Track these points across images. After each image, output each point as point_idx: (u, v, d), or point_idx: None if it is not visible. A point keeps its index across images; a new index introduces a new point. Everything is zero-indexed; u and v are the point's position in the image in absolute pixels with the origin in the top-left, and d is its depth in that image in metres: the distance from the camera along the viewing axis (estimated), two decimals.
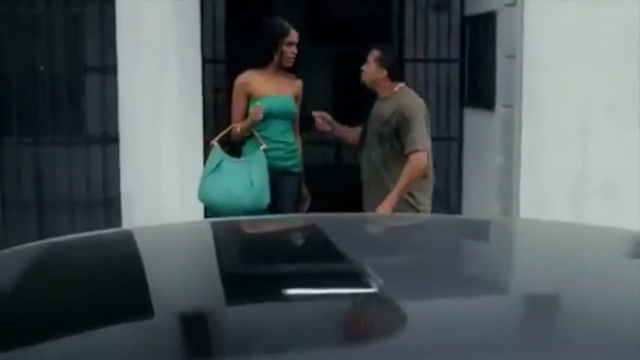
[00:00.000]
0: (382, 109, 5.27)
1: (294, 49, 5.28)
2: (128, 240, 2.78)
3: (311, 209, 5.51)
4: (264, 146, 5.14)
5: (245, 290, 2.11)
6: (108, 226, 6.54)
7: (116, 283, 2.21)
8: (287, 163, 5.31)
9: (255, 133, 5.19)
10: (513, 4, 6.68)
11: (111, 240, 2.81)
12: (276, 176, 5.22)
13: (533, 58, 6.59)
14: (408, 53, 7.86)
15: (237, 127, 5.23)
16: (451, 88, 7.84)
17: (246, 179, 5.05)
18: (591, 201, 6.74)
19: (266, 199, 5.07)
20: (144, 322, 1.88)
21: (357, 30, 7.95)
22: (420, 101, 5.41)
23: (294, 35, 5.29)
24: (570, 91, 6.61)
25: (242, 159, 5.22)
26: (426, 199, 5.33)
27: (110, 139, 6.48)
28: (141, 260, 2.51)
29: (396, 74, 5.40)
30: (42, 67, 6.48)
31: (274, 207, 5.20)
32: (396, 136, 5.13)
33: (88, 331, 1.83)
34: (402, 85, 5.39)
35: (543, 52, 6.57)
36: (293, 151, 5.34)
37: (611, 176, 6.67)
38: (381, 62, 5.30)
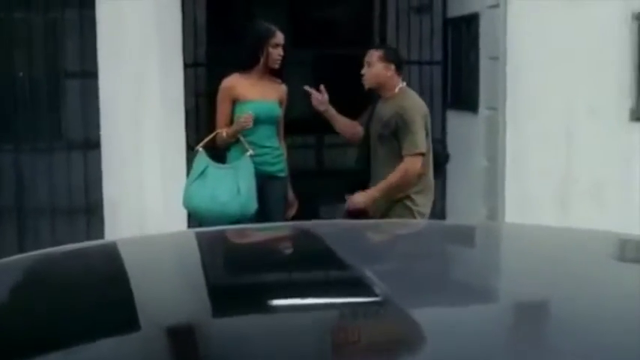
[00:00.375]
0: (383, 110, 5.21)
1: (280, 51, 5.22)
2: (113, 253, 2.69)
3: (298, 214, 5.45)
4: (250, 152, 5.07)
5: (236, 303, 2.05)
6: (90, 232, 6.47)
7: (100, 300, 2.13)
8: (273, 168, 5.24)
9: (242, 139, 5.11)
10: (496, 6, 6.67)
11: (94, 253, 2.72)
12: (263, 182, 5.15)
13: (516, 59, 6.58)
14: None
15: (223, 132, 5.15)
16: (434, 91, 7.80)
17: (233, 186, 4.97)
18: (577, 203, 6.73)
19: (253, 206, 5.00)
20: (129, 340, 1.82)
21: (339, 32, 7.93)
22: (421, 102, 5.37)
23: (279, 37, 5.23)
24: (554, 93, 6.60)
25: (228, 165, 5.14)
26: (424, 200, 5.20)
27: (91, 144, 6.40)
28: (126, 275, 2.41)
29: (400, 69, 5.30)
30: (21, 73, 6.39)
31: (262, 213, 5.11)
32: (396, 138, 5.09)
33: (70, 349, 1.78)
34: (402, 85, 5.31)
35: (527, 54, 6.56)
36: (279, 156, 5.28)
37: (596, 178, 6.67)
38: (387, 59, 5.21)
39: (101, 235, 6.33)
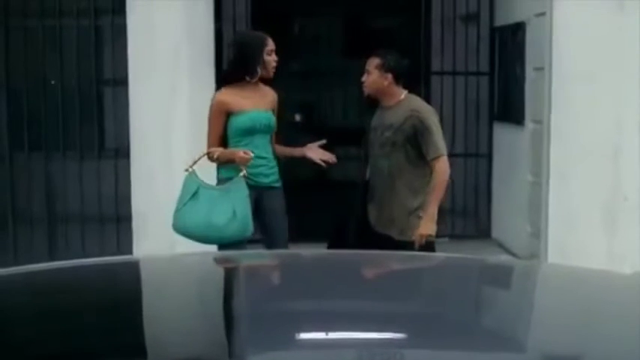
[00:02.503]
0: (390, 117, 4.97)
1: (274, 57, 4.99)
2: (132, 271, 2.57)
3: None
4: (243, 172, 4.80)
5: (255, 335, 1.89)
6: (120, 242, 6.42)
7: (109, 323, 2.01)
8: (269, 179, 5.02)
9: (238, 160, 4.85)
10: (543, 14, 6.38)
11: (111, 270, 2.59)
12: (259, 193, 4.95)
13: (562, 70, 6.28)
14: (435, 66, 7.61)
15: (215, 154, 4.92)
16: (480, 103, 7.57)
17: (228, 209, 4.75)
18: (625, 221, 6.39)
19: (250, 229, 4.80)
20: None
21: (384, 42, 7.73)
22: (431, 107, 5.19)
23: (271, 43, 5.00)
24: (602, 105, 6.27)
25: (221, 187, 4.90)
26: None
27: (123, 153, 6.34)
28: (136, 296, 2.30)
29: (401, 79, 5.04)
30: (52, 81, 6.37)
31: (263, 225, 5.00)
32: (410, 143, 4.87)
33: None
34: (406, 92, 5.06)
35: (573, 64, 6.25)
36: (273, 167, 5.07)
37: None
38: (383, 68, 4.98)
39: (130, 245, 6.27)
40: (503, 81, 7.32)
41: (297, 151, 5.26)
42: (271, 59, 4.97)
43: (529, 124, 6.73)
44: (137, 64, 6.13)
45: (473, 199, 7.71)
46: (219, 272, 2.68)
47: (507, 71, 7.18)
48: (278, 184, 5.09)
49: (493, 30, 7.42)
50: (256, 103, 4.99)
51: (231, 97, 4.96)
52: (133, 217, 6.25)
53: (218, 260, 2.92)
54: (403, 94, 5.04)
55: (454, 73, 7.51)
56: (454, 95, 7.50)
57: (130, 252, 6.25)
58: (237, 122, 4.94)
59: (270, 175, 5.04)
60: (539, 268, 3.26)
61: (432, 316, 2.10)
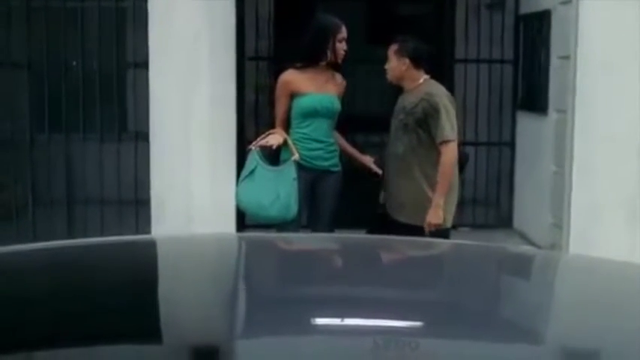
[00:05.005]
0: (406, 100, 5.01)
1: (344, 46, 5.10)
2: (145, 250, 2.55)
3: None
4: (296, 156, 4.97)
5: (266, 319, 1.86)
6: (138, 225, 6.41)
7: (123, 301, 1.98)
8: (327, 163, 5.13)
9: (289, 143, 5.03)
10: (568, 2, 6.28)
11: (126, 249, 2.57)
12: (316, 176, 5.09)
13: (588, 59, 6.18)
14: (459, 53, 7.54)
15: (276, 132, 5.09)
16: (504, 91, 7.49)
17: (274, 191, 4.93)
18: None
19: (292, 212, 4.93)
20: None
21: (407, 29, 7.66)
22: (447, 92, 5.13)
23: (344, 31, 5.11)
24: (627, 96, 6.16)
25: (274, 168, 5.05)
26: (450, 199, 4.97)
27: (143, 136, 6.33)
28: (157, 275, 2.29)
29: (420, 64, 5.04)
30: (74, 63, 6.36)
31: (314, 208, 5.13)
32: (421, 126, 4.88)
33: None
34: (427, 77, 5.07)
35: (599, 53, 6.15)
36: (332, 151, 5.16)
37: None
38: (401, 54, 5.02)
39: (148, 229, 6.27)
40: (527, 69, 7.23)
41: (362, 158, 5.33)
42: (341, 47, 5.07)
43: (553, 113, 6.64)
44: (158, 47, 6.11)
45: (495, 188, 7.63)
46: (228, 255, 2.65)
47: (532, 60, 7.08)
48: (336, 169, 5.18)
49: (518, 18, 7.32)
50: (321, 87, 5.09)
51: (296, 77, 5.09)
52: (151, 200, 6.24)
53: (227, 242, 2.90)
54: (422, 78, 5.04)
55: (478, 61, 7.43)
56: (478, 83, 7.42)
57: (149, 234, 6.26)
58: (299, 103, 5.07)
59: (329, 159, 5.14)
60: (559, 259, 3.19)
61: (446, 305, 2.04)
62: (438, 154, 4.87)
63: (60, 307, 1.91)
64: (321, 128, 5.09)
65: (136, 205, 6.44)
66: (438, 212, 4.84)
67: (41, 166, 6.51)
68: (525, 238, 7.21)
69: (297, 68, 5.11)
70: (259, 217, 5.09)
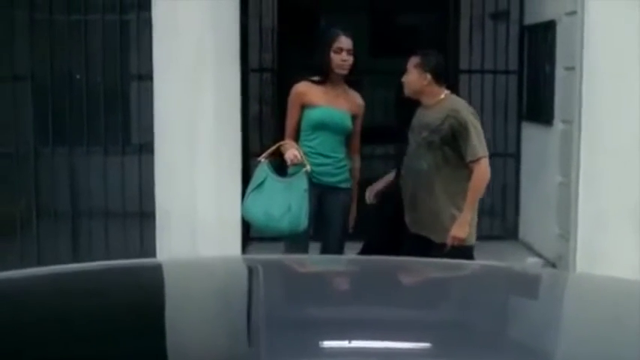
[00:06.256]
0: (428, 116, 4.84)
1: (344, 56, 4.94)
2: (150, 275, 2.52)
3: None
4: (307, 168, 4.87)
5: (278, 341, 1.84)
6: (143, 238, 6.39)
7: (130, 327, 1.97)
8: (334, 179, 5.03)
9: (301, 154, 4.91)
10: (574, 13, 6.26)
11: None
12: (323, 192, 4.99)
13: (593, 70, 6.15)
14: (464, 64, 7.52)
15: (287, 144, 4.99)
16: (509, 102, 7.47)
17: (285, 202, 4.83)
18: None
19: (303, 224, 4.83)
20: None
21: (411, 40, 7.65)
22: (469, 106, 5.00)
23: (343, 41, 4.95)
24: (633, 106, 6.14)
25: (285, 179, 4.96)
26: (474, 215, 4.86)
27: (147, 149, 6.30)
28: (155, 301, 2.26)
29: (441, 79, 4.92)
30: (78, 76, 6.34)
31: (322, 224, 5.03)
32: (448, 144, 4.74)
33: None
34: (447, 92, 4.94)
35: (604, 64, 6.13)
36: (341, 167, 5.06)
37: None
38: (423, 68, 4.86)
39: (153, 241, 6.25)
40: (532, 80, 7.21)
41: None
42: (338, 57, 4.93)
43: (558, 124, 6.62)
44: (162, 59, 6.09)
45: (500, 199, 7.60)
46: (239, 278, 2.61)
47: (537, 70, 7.06)
48: (345, 185, 5.08)
49: (523, 28, 7.30)
50: (334, 101, 5.01)
51: (309, 89, 5.02)
52: (156, 213, 6.21)
53: (236, 265, 2.87)
54: (443, 93, 4.91)
55: (482, 72, 7.41)
56: (482, 94, 7.38)
57: (154, 248, 6.24)
58: (308, 115, 5.00)
59: (337, 175, 5.04)
60: (567, 279, 3.15)
61: (455, 328, 2.04)
62: (465, 171, 4.74)
63: (67, 341, 1.89)
64: (329, 143, 5.00)
65: (141, 217, 6.41)
66: (465, 227, 4.73)
67: (45, 180, 6.48)
68: (531, 250, 7.17)
69: (310, 80, 5.04)
70: (269, 228, 4.97)
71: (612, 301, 2.34)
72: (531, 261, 6.76)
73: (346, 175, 5.09)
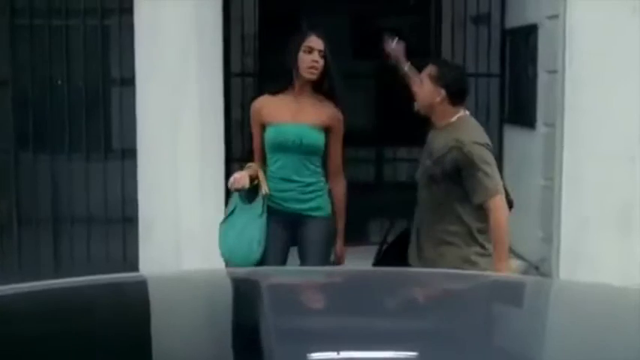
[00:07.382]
0: (434, 142, 4.15)
1: (314, 56, 4.19)
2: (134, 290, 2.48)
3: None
4: (264, 191, 4.24)
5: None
6: (125, 244, 6.33)
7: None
8: (303, 206, 4.31)
9: (260, 177, 4.27)
10: (556, 17, 6.28)
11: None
12: (295, 220, 4.32)
13: (576, 73, 6.18)
14: None
15: (252, 166, 4.36)
16: (491, 105, 7.48)
17: (242, 231, 4.27)
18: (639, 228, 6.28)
19: (254, 254, 4.20)
20: None
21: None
22: (483, 134, 4.20)
23: (313, 40, 4.24)
24: (616, 109, 6.17)
25: (249, 206, 4.32)
26: (490, 245, 4.15)
27: (129, 154, 6.25)
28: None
29: (458, 99, 4.13)
30: (59, 81, 6.27)
31: (300, 256, 4.37)
32: (452, 179, 4.01)
33: None
34: (461, 114, 4.16)
35: (587, 68, 6.16)
36: (312, 192, 4.33)
37: None
38: (438, 81, 4.10)
39: (136, 248, 6.21)
40: (514, 83, 7.24)
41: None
42: (307, 58, 4.21)
43: (541, 127, 6.64)
44: (144, 64, 6.05)
45: None
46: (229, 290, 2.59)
47: (519, 73, 7.09)
48: (318, 214, 4.33)
49: (504, 32, 7.32)
50: (296, 114, 4.28)
51: (266, 104, 4.36)
52: (139, 220, 6.17)
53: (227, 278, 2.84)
54: (456, 115, 4.13)
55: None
56: None
57: (136, 254, 6.20)
58: (265, 136, 4.35)
59: (307, 202, 4.32)
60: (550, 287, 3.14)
61: (448, 337, 2.02)
62: (473, 209, 4.03)
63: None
64: (291, 165, 4.28)
65: (123, 223, 6.35)
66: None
67: (26, 186, 6.41)
68: (514, 253, 7.17)
69: (270, 93, 4.37)
70: (233, 261, 4.25)
71: (597, 309, 2.34)
72: (514, 264, 6.77)
73: (319, 201, 4.35)
